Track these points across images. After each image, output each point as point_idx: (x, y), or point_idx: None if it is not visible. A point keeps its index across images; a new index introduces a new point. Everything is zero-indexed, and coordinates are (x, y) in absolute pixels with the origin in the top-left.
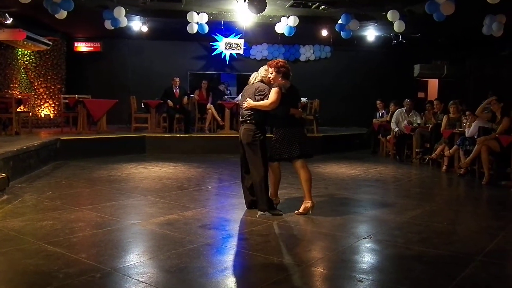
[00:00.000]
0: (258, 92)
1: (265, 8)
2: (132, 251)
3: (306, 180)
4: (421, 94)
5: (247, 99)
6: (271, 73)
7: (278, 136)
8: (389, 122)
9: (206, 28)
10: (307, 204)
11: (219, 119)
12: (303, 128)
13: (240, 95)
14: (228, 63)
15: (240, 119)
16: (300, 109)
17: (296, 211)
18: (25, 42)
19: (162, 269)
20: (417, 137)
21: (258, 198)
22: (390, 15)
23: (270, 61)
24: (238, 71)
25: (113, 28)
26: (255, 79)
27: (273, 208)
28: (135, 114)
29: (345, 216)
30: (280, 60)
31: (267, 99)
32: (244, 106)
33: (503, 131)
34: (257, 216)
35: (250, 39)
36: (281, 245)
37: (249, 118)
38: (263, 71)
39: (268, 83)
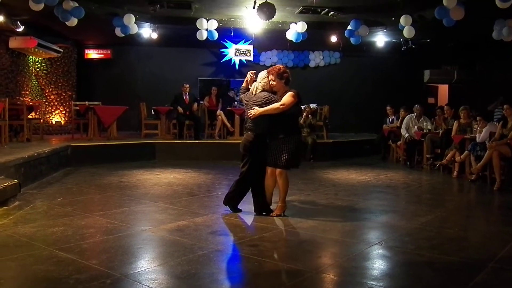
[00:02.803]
0: (267, 101)
1: (274, 15)
2: (142, 257)
3: (283, 190)
4: (431, 100)
5: (254, 107)
6: (273, 80)
7: (273, 143)
8: (399, 128)
9: (216, 35)
10: (282, 208)
11: (229, 125)
12: (299, 135)
13: (240, 98)
14: (238, 70)
15: (245, 126)
16: (309, 115)
17: (271, 213)
18: (36, 50)
19: (172, 275)
20: (428, 142)
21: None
22: (403, 20)
23: (269, 68)
24: None
25: (123, 35)
26: (256, 89)
27: (267, 211)
28: (145, 121)
29: (355, 222)
30: (280, 66)
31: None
32: (251, 115)
33: None
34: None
35: (260, 46)
36: (291, 251)
37: (250, 127)
38: (262, 80)
39: (271, 91)
